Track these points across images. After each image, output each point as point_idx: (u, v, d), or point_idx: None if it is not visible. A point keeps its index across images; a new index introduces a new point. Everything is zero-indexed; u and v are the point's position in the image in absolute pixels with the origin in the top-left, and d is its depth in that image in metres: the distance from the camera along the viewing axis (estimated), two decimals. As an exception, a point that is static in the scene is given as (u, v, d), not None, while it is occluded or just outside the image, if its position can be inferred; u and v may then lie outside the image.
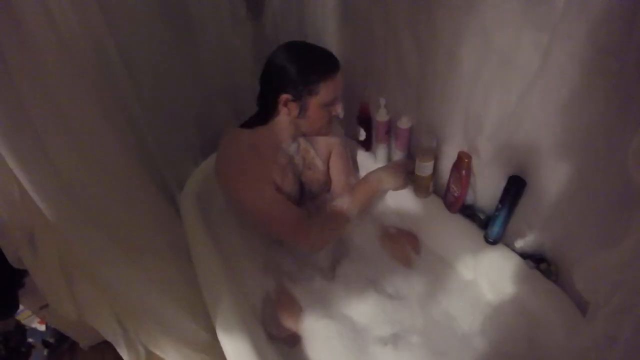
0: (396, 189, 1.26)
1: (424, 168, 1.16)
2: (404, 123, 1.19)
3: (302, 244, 1.11)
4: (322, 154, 1.25)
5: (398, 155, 1.29)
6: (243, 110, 1.61)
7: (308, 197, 1.25)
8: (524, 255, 1.01)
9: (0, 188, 0.77)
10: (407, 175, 1.25)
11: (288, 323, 1.03)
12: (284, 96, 1.04)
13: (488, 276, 1.07)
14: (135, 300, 0.93)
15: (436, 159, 1.18)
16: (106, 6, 1.09)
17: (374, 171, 1.24)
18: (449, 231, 1.16)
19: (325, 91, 1.03)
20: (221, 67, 1.50)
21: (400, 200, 1.29)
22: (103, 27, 1.08)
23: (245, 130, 1.12)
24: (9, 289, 1.09)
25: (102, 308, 0.98)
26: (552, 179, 0.88)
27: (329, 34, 1.32)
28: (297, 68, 1.01)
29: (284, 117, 1.09)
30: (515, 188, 0.94)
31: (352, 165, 1.37)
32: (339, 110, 1.10)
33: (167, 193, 1.40)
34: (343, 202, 1.18)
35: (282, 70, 1.02)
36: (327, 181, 1.30)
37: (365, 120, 1.36)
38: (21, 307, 1.20)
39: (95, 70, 1.07)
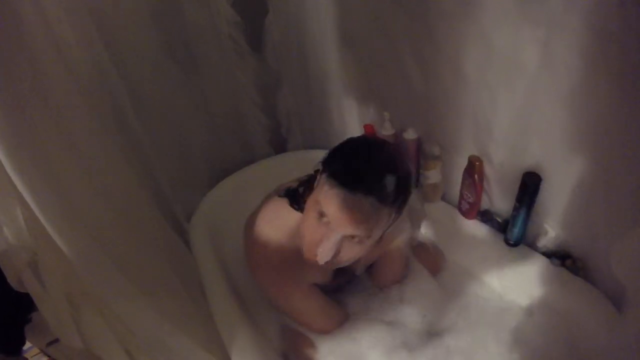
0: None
1: (429, 177, 1.16)
2: (410, 135, 1.20)
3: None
4: (370, 252, 0.92)
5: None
6: (249, 142, 1.64)
7: (339, 281, 1.08)
8: (548, 254, 0.98)
9: (4, 210, 0.76)
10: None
11: (305, 352, 0.98)
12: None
13: (513, 279, 1.03)
14: (146, 333, 0.90)
15: (446, 169, 1.18)
16: (110, 42, 1.12)
17: None
18: (468, 239, 1.14)
19: (322, 194, 0.76)
20: (226, 101, 1.52)
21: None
22: (108, 61, 1.11)
23: (290, 212, 0.91)
24: (15, 325, 1.05)
25: (109, 338, 0.93)
26: (568, 171, 0.87)
27: (329, 58, 1.35)
28: (332, 150, 0.81)
29: None
30: (531, 184, 0.93)
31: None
32: (320, 240, 0.77)
33: (176, 225, 1.38)
34: None
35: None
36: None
37: (371, 139, 1.37)
38: (29, 344, 1.15)
39: (103, 103, 1.09)
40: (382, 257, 1.04)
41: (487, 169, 1.05)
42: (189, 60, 1.40)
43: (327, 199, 0.74)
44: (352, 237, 0.75)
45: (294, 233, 0.89)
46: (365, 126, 1.36)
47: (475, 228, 1.12)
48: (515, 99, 0.90)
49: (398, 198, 0.76)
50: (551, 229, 0.97)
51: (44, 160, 0.69)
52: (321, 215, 0.76)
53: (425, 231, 1.21)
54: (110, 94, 1.13)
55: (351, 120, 1.47)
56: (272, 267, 0.92)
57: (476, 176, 1.04)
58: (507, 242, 1.04)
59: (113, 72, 1.13)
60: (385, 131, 1.26)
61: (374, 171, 0.74)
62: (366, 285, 1.11)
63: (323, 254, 0.76)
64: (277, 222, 0.93)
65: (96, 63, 1.08)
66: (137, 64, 1.25)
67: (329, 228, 0.75)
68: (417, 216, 1.12)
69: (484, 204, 1.12)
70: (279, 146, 1.69)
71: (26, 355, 1.22)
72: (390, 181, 0.73)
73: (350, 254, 0.79)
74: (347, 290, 1.12)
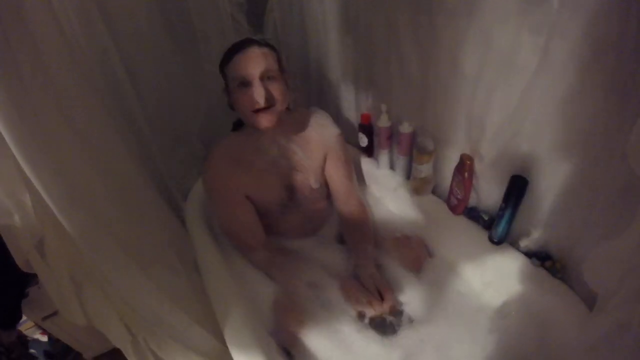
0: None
1: (421, 170, 1.19)
2: (405, 128, 1.21)
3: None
4: (313, 156, 1.17)
5: (401, 160, 1.30)
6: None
7: (302, 202, 1.20)
8: (529, 254, 1.01)
9: (12, 193, 0.78)
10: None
11: (291, 327, 1.02)
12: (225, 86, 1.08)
13: (494, 276, 1.07)
14: (145, 309, 0.93)
15: (438, 163, 1.20)
16: (110, 20, 1.11)
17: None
18: (453, 234, 1.17)
19: (230, 69, 1.01)
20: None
21: (403, 206, 1.30)
22: (108, 40, 1.11)
23: (232, 134, 1.17)
24: (14, 300, 1.08)
25: (110, 314, 0.97)
26: (555, 176, 0.89)
27: (330, 44, 1.34)
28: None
29: None
30: (518, 187, 0.96)
31: (354, 169, 1.29)
32: (253, 94, 0.99)
33: (173, 204, 1.41)
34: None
35: None
36: (322, 186, 1.23)
37: (367, 128, 1.38)
38: (24, 317, 1.19)
39: (102, 83, 1.09)
40: (329, 169, 1.21)
41: (477, 167, 1.07)
42: (187, 37, 1.39)
43: (233, 65, 1.00)
44: (268, 76, 1.00)
45: (235, 145, 1.13)
46: (363, 115, 1.36)
47: (461, 224, 1.15)
48: (510, 100, 0.90)
49: (270, 45, 1.05)
50: (534, 230, 1.00)
51: (49, 147, 0.71)
52: (241, 84, 1.00)
53: (410, 223, 1.25)
54: (110, 75, 1.13)
55: (348, 107, 1.48)
56: (211, 179, 1.12)
57: (466, 174, 1.06)
58: (491, 239, 1.07)
59: (112, 52, 1.13)
60: (382, 123, 1.27)
61: (246, 37, 1.04)
62: (343, 261, 1.19)
63: (259, 97, 0.98)
64: (219, 145, 1.15)
65: (96, 44, 1.08)
66: (134, 40, 1.24)
67: (249, 84, 0.99)
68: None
69: (472, 201, 1.15)
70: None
71: (20, 328, 1.26)
72: (257, 37, 1.06)
73: (277, 90, 1.02)
74: (323, 259, 1.19)
